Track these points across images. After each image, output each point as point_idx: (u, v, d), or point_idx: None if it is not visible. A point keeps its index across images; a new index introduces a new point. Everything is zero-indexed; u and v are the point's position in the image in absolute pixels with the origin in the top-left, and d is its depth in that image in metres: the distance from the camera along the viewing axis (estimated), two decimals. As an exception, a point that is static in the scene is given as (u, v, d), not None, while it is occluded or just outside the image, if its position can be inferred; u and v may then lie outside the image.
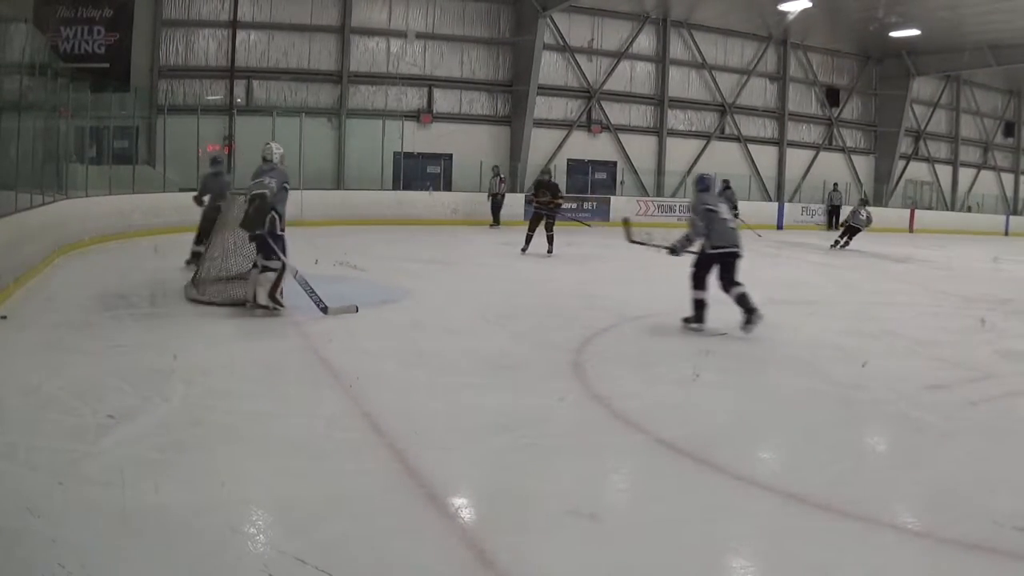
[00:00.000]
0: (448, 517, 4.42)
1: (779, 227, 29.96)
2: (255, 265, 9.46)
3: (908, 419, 6.71)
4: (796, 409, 6.93)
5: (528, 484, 4.93)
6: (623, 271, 15.44)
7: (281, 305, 9.42)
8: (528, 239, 16.98)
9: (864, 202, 24.84)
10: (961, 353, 9.37)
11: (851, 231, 22.71)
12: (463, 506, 4.62)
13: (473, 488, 4.99)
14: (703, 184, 9.77)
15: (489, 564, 3.91)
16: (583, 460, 5.41)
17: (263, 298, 9.28)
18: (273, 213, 9.18)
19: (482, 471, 5.23)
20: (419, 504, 4.52)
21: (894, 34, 28.68)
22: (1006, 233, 34.75)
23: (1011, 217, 36.71)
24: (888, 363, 8.56)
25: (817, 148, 33.58)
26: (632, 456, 5.68)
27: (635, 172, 29.41)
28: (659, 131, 29.87)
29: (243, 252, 10.53)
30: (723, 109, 31.00)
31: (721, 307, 9.44)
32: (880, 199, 34.22)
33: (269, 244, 9.20)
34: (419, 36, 25.69)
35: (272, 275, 9.28)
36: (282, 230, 9.31)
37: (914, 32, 28.26)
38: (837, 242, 22.74)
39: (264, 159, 9.61)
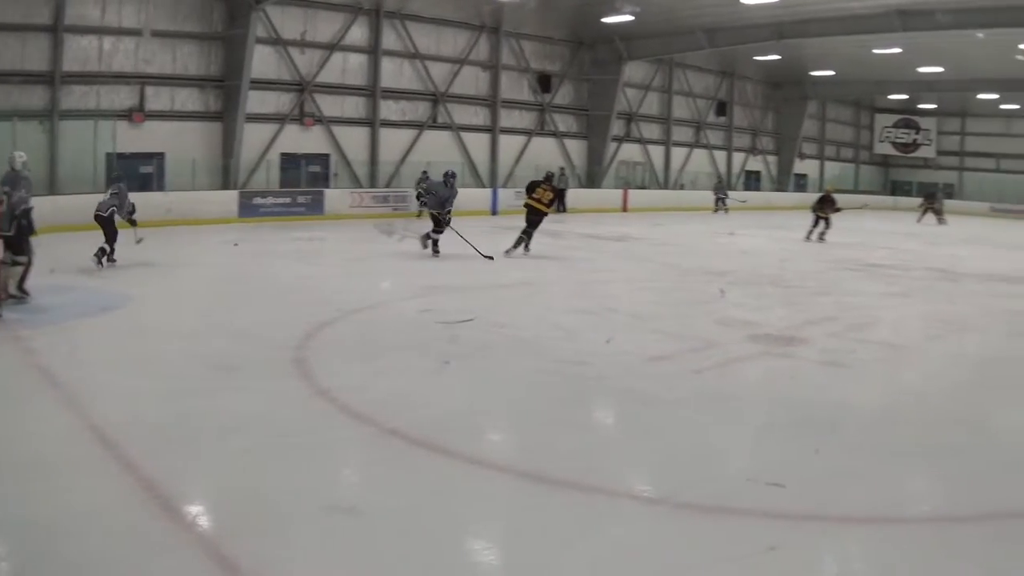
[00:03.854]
0: (186, 526, 4.44)
1: (494, 212, 30.54)
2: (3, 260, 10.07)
3: (634, 391, 7.23)
4: (523, 390, 7.30)
5: (262, 485, 5.01)
6: (341, 264, 15.50)
7: (27, 294, 10.20)
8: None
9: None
10: (681, 325, 10.07)
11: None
12: (200, 513, 4.66)
13: (208, 493, 5.02)
14: None
15: (232, 568, 4.01)
16: (314, 456, 5.52)
17: (13, 288, 10.02)
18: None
19: (215, 475, 5.26)
20: (155, 514, 4.51)
21: (607, 20, 29.65)
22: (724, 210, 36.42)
23: (726, 193, 37.73)
24: (609, 337, 9.07)
25: (530, 134, 34.74)
26: (363, 448, 5.87)
27: (348, 164, 29.37)
28: (372, 122, 29.93)
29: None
30: (435, 98, 31.46)
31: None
32: (594, 181, 36.03)
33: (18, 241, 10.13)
34: (131, 33, 24.32)
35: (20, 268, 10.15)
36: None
37: (628, 18, 29.00)
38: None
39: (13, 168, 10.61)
